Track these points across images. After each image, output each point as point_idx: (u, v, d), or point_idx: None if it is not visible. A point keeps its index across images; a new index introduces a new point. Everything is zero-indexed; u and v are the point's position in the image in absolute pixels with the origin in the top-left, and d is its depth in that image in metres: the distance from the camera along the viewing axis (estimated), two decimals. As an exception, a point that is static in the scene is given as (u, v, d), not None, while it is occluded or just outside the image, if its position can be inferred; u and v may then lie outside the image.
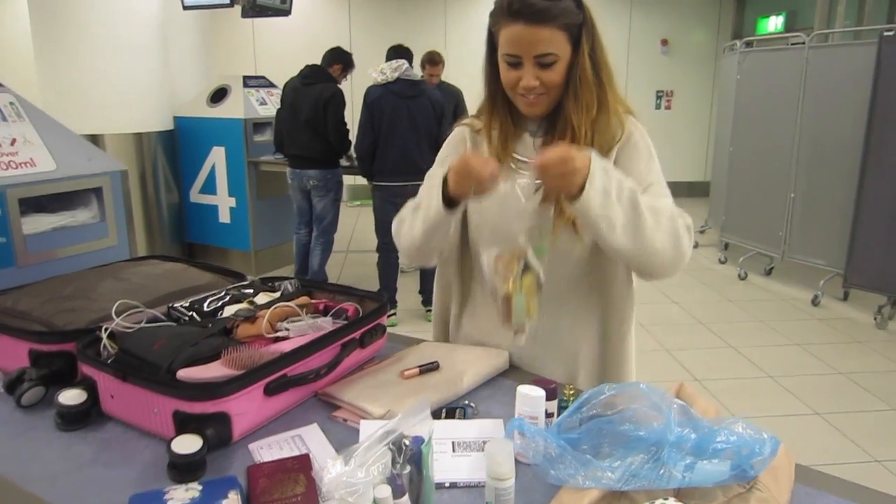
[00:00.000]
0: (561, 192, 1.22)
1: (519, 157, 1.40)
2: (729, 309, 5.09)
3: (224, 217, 5.63)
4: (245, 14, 5.26)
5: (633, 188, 1.23)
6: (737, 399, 3.58)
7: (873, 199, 4.62)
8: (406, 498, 0.84)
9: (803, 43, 5.12)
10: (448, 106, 5.19)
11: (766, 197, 5.63)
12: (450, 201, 1.30)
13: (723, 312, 4.99)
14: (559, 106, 1.34)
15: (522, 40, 1.26)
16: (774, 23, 8.19)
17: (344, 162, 4.81)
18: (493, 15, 1.32)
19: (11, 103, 2.04)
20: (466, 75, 5.34)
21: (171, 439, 1.02)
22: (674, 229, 1.26)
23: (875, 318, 4.65)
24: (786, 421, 3.32)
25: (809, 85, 5.11)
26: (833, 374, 3.90)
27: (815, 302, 5.07)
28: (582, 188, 1.17)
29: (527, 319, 1.18)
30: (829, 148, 5.04)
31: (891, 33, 4.50)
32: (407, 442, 0.86)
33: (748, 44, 5.98)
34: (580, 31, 1.29)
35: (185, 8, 5.26)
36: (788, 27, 7.83)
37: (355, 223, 7.73)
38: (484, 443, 1.08)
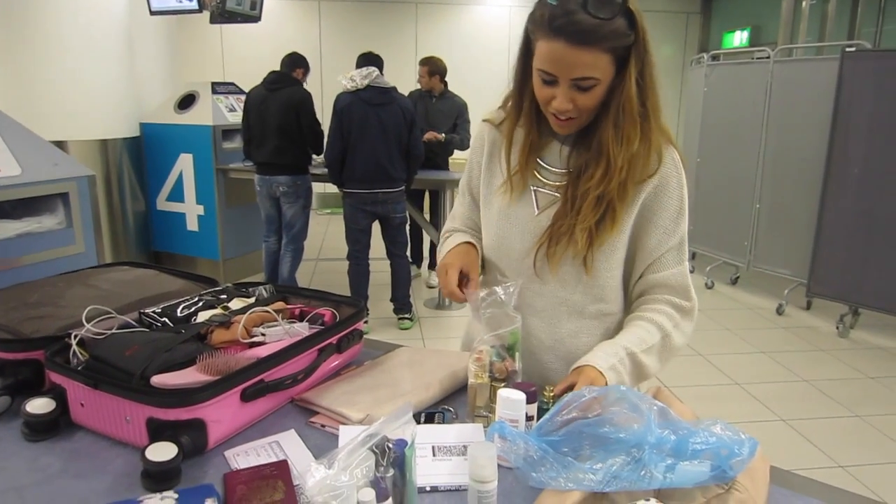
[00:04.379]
0: None
1: (544, 166, 1.33)
2: (697, 317, 5.14)
3: (192, 225, 5.56)
4: (214, 20, 5.18)
5: (633, 353, 1.26)
6: (706, 406, 3.62)
7: (835, 210, 4.73)
8: (390, 501, 0.84)
9: (768, 57, 5.24)
10: (451, 118, 5.22)
11: (732, 208, 5.73)
12: None
13: (690, 321, 5.04)
14: (594, 127, 1.24)
15: (561, 61, 1.13)
16: (739, 37, 8.37)
17: (317, 168, 4.77)
18: (531, 22, 1.18)
19: (-25, 106, 2.00)
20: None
21: (145, 447, 0.99)
22: (668, 347, 1.33)
23: (837, 327, 4.75)
24: (753, 427, 3.36)
25: (774, 98, 5.22)
26: (798, 382, 3.97)
27: (779, 311, 5.16)
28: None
29: (487, 410, 1.18)
30: (793, 160, 5.15)
31: (852, 49, 4.63)
32: (390, 445, 0.85)
33: (714, 57, 6.09)
34: (628, 52, 1.16)
35: (152, 13, 5.18)
36: (753, 42, 8.01)
37: (325, 231, 7.68)
38: (464, 447, 1.07)
